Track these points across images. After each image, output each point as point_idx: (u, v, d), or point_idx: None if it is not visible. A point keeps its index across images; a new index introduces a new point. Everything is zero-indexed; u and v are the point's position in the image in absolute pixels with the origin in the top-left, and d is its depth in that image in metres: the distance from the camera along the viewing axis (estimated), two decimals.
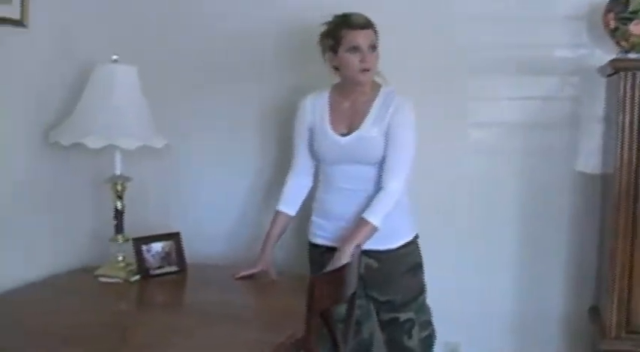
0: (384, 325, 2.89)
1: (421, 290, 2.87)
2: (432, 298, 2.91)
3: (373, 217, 2.68)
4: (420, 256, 2.87)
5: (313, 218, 2.93)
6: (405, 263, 2.82)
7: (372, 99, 2.77)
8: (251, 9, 3.30)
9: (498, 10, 3.05)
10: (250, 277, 2.86)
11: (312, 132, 2.87)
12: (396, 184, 2.71)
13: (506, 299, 3.18)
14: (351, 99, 2.80)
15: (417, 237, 2.87)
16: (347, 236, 2.70)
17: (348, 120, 2.79)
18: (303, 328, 2.21)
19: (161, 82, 3.31)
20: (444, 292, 3.00)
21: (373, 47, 2.73)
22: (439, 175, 3.11)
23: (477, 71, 3.10)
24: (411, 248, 2.84)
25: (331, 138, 2.79)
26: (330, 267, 2.56)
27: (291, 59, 3.25)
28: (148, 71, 3.04)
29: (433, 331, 2.92)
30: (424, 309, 2.89)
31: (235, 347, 2.21)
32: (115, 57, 2.92)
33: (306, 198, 2.97)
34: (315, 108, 2.86)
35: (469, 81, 3.13)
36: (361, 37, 2.70)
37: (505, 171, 3.13)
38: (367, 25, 2.72)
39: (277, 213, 2.94)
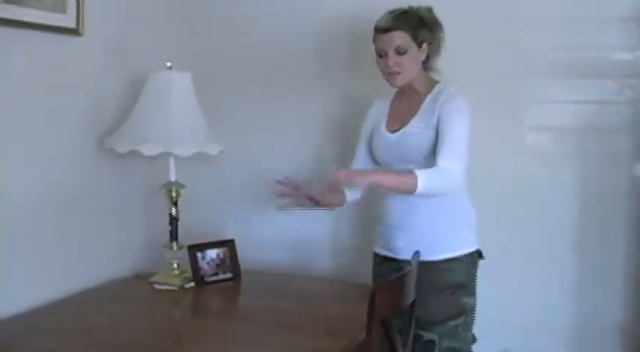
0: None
1: (457, 314, 2.65)
2: (487, 304, 2.80)
3: (422, 175, 2.46)
4: (466, 277, 2.68)
5: (376, 227, 2.87)
6: (443, 280, 2.64)
7: (425, 96, 2.70)
8: (309, 13, 3.28)
9: (556, 12, 2.98)
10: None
11: (372, 134, 2.84)
12: (449, 163, 2.51)
13: (564, 307, 3.10)
14: (407, 99, 2.75)
15: (470, 256, 2.69)
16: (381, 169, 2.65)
17: (401, 119, 2.74)
18: (363, 336, 2.19)
19: (215, 88, 3.31)
20: (499, 299, 2.95)
21: (401, 50, 2.63)
22: (493, 178, 3.05)
23: (534, 73, 3.04)
24: (456, 265, 2.66)
25: (383, 136, 2.76)
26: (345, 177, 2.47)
27: (350, 65, 3.23)
28: (201, 77, 3.05)
29: None
30: (455, 336, 2.65)
31: None
32: (169, 64, 2.93)
33: (356, 196, 2.88)
34: (378, 111, 2.85)
35: (526, 83, 3.06)
36: (384, 41, 2.64)
37: (561, 176, 3.06)
38: (391, 28, 2.63)
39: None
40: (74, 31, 2.78)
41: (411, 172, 2.49)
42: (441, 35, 2.72)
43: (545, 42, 3.02)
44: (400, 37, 2.63)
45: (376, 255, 2.87)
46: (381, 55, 2.67)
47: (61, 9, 2.72)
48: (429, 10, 2.70)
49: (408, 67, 2.66)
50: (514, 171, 3.08)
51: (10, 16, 2.49)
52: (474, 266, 2.73)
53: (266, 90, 3.39)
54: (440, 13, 2.73)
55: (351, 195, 2.86)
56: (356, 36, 3.10)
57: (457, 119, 2.60)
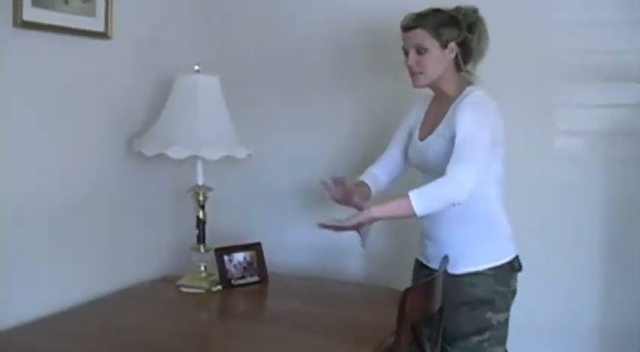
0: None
1: (480, 329, 2.52)
2: (513, 309, 2.69)
3: (415, 196, 2.34)
4: (490, 293, 2.52)
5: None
6: (465, 294, 2.52)
7: (454, 100, 2.55)
8: (337, 14, 3.27)
9: (584, 15, 2.96)
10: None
11: (409, 137, 2.77)
12: (459, 172, 2.35)
13: (590, 311, 3.06)
14: (439, 103, 2.64)
15: (498, 270, 2.54)
16: (376, 203, 2.49)
17: (430, 125, 2.64)
18: (392, 341, 2.18)
19: (243, 91, 3.32)
20: (525, 304, 2.91)
21: (421, 48, 2.55)
22: (520, 182, 3.00)
23: (562, 77, 3.01)
24: (479, 280, 2.52)
25: (414, 143, 2.69)
26: (339, 223, 2.43)
27: (382, 68, 3.20)
28: (229, 80, 3.05)
29: None
30: None
31: None
32: (197, 67, 2.93)
33: (375, 187, 2.82)
34: (417, 113, 2.76)
35: (554, 87, 3.03)
36: (405, 39, 2.58)
37: (590, 180, 3.02)
38: (411, 25, 2.55)
39: (359, 181, 2.80)
40: (103, 35, 2.80)
41: (405, 195, 2.37)
42: (477, 37, 2.60)
43: (572, 45, 2.99)
44: (420, 36, 2.54)
45: (416, 260, 2.81)
46: (404, 53, 2.61)
47: (90, 13, 2.73)
48: (474, 10, 2.60)
49: (430, 67, 2.56)
50: (541, 175, 3.05)
51: (40, 20, 2.51)
52: (504, 280, 2.57)
53: (294, 92, 3.38)
54: None
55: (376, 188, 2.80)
56: (384, 38, 3.06)
57: (472, 122, 2.44)
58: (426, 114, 2.72)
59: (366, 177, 2.80)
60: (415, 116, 2.76)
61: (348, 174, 3.10)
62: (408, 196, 2.35)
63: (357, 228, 2.46)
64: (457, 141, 2.40)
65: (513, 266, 2.59)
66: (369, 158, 3.00)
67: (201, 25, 3.42)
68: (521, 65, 3.01)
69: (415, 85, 2.62)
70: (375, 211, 2.42)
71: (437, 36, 2.54)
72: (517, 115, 2.87)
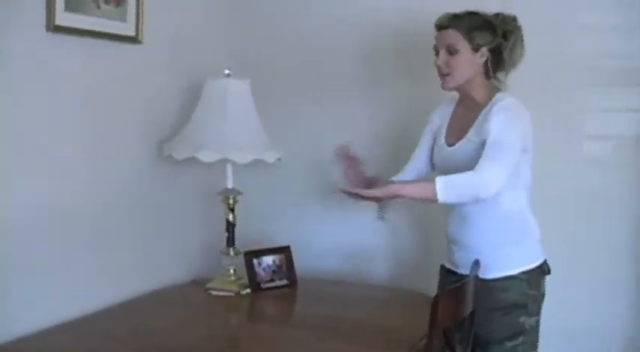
0: None
1: (514, 334, 2.51)
2: (550, 319, 2.71)
3: (441, 182, 2.34)
4: (523, 296, 2.51)
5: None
6: (497, 299, 2.51)
7: (483, 107, 2.53)
8: (370, 20, 3.27)
9: (614, 19, 2.93)
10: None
11: (434, 141, 2.76)
12: (487, 170, 2.35)
13: (618, 317, 3.03)
14: (467, 108, 2.63)
15: (530, 273, 2.53)
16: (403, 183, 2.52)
17: (458, 131, 2.62)
18: (422, 346, 2.18)
19: (272, 95, 3.33)
20: (553, 309, 2.88)
21: (451, 49, 2.53)
22: (549, 187, 2.99)
23: (593, 82, 2.99)
24: (512, 284, 2.51)
25: (442, 148, 2.68)
26: (360, 191, 2.44)
27: (411, 74, 3.19)
28: (259, 83, 3.07)
29: None
30: None
31: None
32: (227, 71, 2.94)
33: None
34: (441, 116, 2.75)
35: (585, 91, 3.01)
36: (437, 38, 2.57)
37: (617, 185, 3.00)
38: (445, 25, 2.54)
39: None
40: (134, 39, 2.82)
41: (431, 179, 2.38)
42: (512, 46, 2.57)
43: (600, 50, 2.96)
44: (453, 36, 2.53)
45: (442, 267, 2.79)
46: (435, 52, 2.59)
47: (122, 17, 2.76)
48: (514, 18, 2.59)
49: (459, 69, 2.54)
50: (570, 180, 3.03)
51: (73, 25, 2.54)
52: (536, 283, 2.56)
53: (322, 95, 3.38)
54: None
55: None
56: (413, 40, 3.08)
57: (503, 126, 2.42)
58: (452, 119, 2.71)
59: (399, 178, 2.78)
60: (438, 121, 2.76)
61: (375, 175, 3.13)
62: (434, 181, 2.36)
63: (377, 200, 2.49)
64: (488, 143, 2.40)
65: (543, 270, 2.58)
66: (396, 159, 3.01)
67: (231, 29, 3.43)
68: (549, 70, 2.99)
69: (444, 87, 2.60)
70: (399, 188, 2.43)
71: (469, 39, 2.52)
72: (545, 120, 2.83)
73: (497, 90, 2.59)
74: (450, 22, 2.53)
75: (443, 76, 2.57)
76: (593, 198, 3.01)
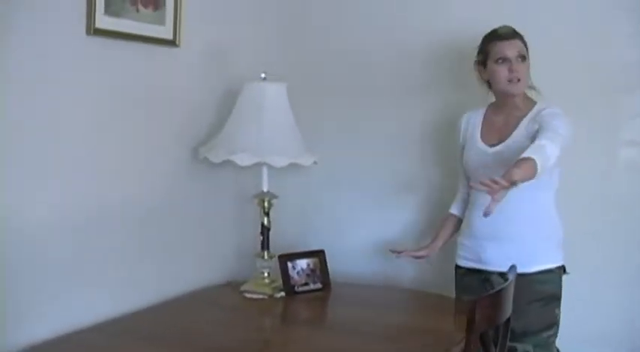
0: None
1: (549, 325, 2.68)
2: (574, 317, 2.78)
3: (537, 157, 2.33)
4: (558, 290, 2.70)
5: (459, 239, 2.88)
6: (538, 291, 2.66)
7: (525, 115, 2.69)
8: (408, 26, 3.28)
9: None
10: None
11: (463, 148, 2.86)
12: (547, 142, 2.41)
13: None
14: (505, 114, 2.75)
15: (561, 269, 2.72)
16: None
17: (498, 134, 2.74)
18: (461, 350, 2.17)
19: (309, 98, 3.36)
20: (581, 312, 2.90)
21: (522, 57, 2.67)
22: (585, 193, 2.98)
23: (629, 87, 2.97)
24: (550, 277, 2.69)
25: (479, 149, 2.76)
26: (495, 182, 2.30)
27: (449, 78, 3.20)
28: (296, 87, 3.08)
29: None
30: (548, 348, 2.68)
31: None
32: (263, 75, 2.95)
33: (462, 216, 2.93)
34: (469, 124, 2.86)
35: (623, 97, 2.99)
36: (508, 48, 2.66)
37: None
38: (513, 35, 2.69)
39: (449, 214, 2.97)
40: (172, 43, 2.84)
41: (529, 159, 2.32)
42: None
43: (636, 56, 2.94)
44: (520, 45, 2.69)
45: (459, 267, 2.87)
46: (502, 61, 2.67)
47: (160, 21, 2.78)
48: None
49: (526, 76, 2.68)
50: (604, 186, 3.02)
51: (112, 28, 2.56)
52: (561, 280, 2.73)
53: (360, 101, 3.39)
54: (534, 30, 2.75)
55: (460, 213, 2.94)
56: (454, 48, 3.11)
57: (558, 120, 2.55)
58: (485, 123, 2.82)
59: (455, 208, 2.97)
60: (465, 130, 2.87)
61: (411, 184, 3.19)
62: (531, 159, 2.32)
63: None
64: (547, 128, 2.50)
65: (564, 269, 2.75)
66: (435, 169, 3.02)
67: (271, 33, 3.45)
68: (584, 76, 2.99)
69: (515, 92, 2.69)
70: (514, 175, 2.27)
71: (527, 49, 2.70)
72: (581, 126, 2.82)
73: (532, 100, 2.74)
74: (516, 33, 2.69)
75: (514, 81, 2.66)
76: (627, 203, 2.99)
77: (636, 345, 2.99)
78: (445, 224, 2.96)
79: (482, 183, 2.27)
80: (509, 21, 2.73)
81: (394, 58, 3.32)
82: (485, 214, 2.32)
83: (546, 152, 2.38)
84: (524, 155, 2.36)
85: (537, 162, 2.32)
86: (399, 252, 2.94)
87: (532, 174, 2.32)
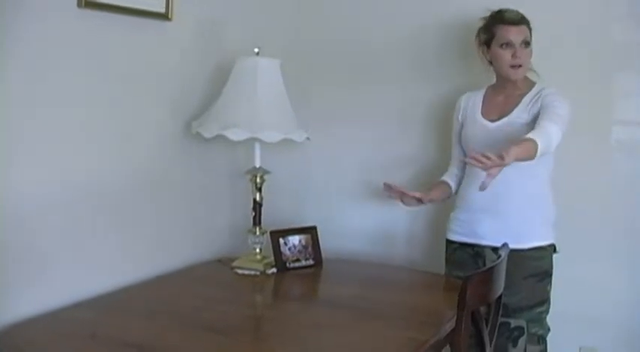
0: None
1: (542, 300, 2.73)
2: (568, 301, 2.83)
3: (539, 139, 2.40)
4: (551, 266, 2.75)
5: (452, 214, 2.89)
6: (531, 267, 2.70)
7: (525, 93, 2.74)
8: (409, 5, 3.26)
9: None
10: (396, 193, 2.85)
11: (462, 126, 2.88)
12: (551, 127, 2.49)
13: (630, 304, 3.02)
14: (505, 94, 2.79)
15: (552, 247, 2.76)
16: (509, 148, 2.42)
17: (499, 110, 2.78)
18: (449, 326, 2.18)
19: (302, 75, 3.34)
20: (579, 295, 2.92)
21: (526, 43, 2.70)
22: (576, 171, 2.97)
23: (627, 67, 2.95)
24: (543, 254, 2.73)
25: (480, 124, 2.79)
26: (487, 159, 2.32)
27: (450, 58, 3.18)
28: (290, 63, 3.06)
29: (545, 351, 2.76)
30: (540, 323, 2.73)
31: (383, 343, 2.18)
32: (256, 50, 2.93)
33: (456, 187, 2.93)
34: (468, 103, 2.88)
35: (617, 77, 2.98)
36: (513, 33, 2.69)
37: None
38: (521, 21, 2.71)
39: (439, 180, 2.96)
40: (164, 16, 2.81)
41: (530, 140, 2.39)
42: None
43: (634, 36, 2.92)
44: (526, 31, 2.71)
45: (451, 242, 2.89)
46: (506, 46, 2.70)
47: None
48: None
49: (528, 61, 2.73)
50: (601, 165, 3.01)
51: (103, 1, 2.53)
52: (552, 257, 2.76)
53: (353, 77, 3.38)
54: (531, 11, 2.74)
55: (453, 183, 2.94)
56: (450, 30, 3.11)
57: (560, 103, 2.61)
58: (486, 102, 2.85)
59: (448, 177, 2.96)
60: (464, 109, 2.89)
61: (406, 162, 3.17)
62: (532, 140, 2.39)
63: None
64: (544, 110, 2.59)
65: (555, 247, 2.78)
66: (428, 148, 3.01)
67: (264, 8, 3.41)
68: (583, 55, 2.98)
69: (515, 77, 2.73)
70: (513, 154, 2.31)
71: (531, 35, 2.72)
72: (578, 105, 2.79)
73: (531, 80, 2.78)
74: (523, 18, 2.71)
75: (515, 67, 2.70)
76: (620, 185, 2.99)
77: (623, 326, 3.01)
78: (435, 187, 2.93)
79: (473, 158, 2.29)
80: (506, 1, 2.73)
81: (391, 36, 3.29)
82: (481, 188, 2.37)
83: (551, 137, 2.47)
84: (529, 135, 2.41)
85: (539, 144, 2.39)
86: (392, 188, 2.83)
87: (531, 155, 2.39)
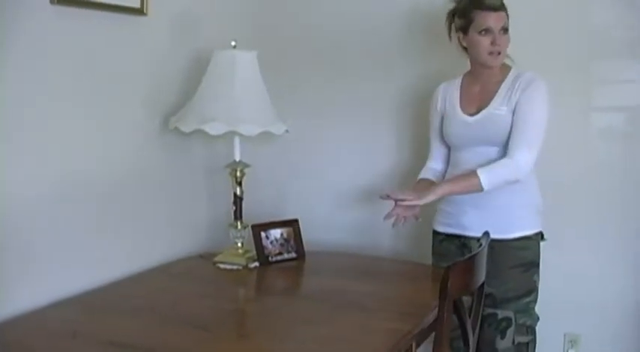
0: (481, 320, 2.66)
1: (529, 291, 2.72)
2: (553, 288, 2.84)
3: (484, 175, 2.56)
4: (537, 256, 2.74)
5: (438, 205, 2.86)
6: (517, 257, 2.70)
7: (502, 80, 2.70)
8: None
9: None
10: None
11: (442, 118, 2.84)
12: (522, 155, 2.57)
13: (629, 289, 3.04)
14: (481, 82, 2.75)
15: (539, 236, 2.76)
16: (445, 180, 2.72)
17: (477, 102, 2.74)
18: (432, 317, 2.18)
19: (280, 68, 3.33)
20: (564, 282, 2.95)
21: (505, 30, 2.65)
22: (560, 158, 2.98)
23: (605, 53, 2.96)
24: (529, 244, 2.72)
25: (460, 118, 2.76)
26: (409, 201, 2.60)
27: (421, 46, 3.19)
28: (267, 56, 3.04)
29: (534, 341, 2.76)
30: (528, 313, 2.73)
31: (366, 335, 2.19)
32: (233, 43, 2.91)
33: (438, 178, 2.90)
34: (446, 95, 2.84)
35: (596, 63, 2.99)
36: (493, 20, 2.63)
37: (629, 158, 2.99)
38: (500, 7, 2.65)
39: (421, 179, 2.90)
40: (139, 11, 2.79)
41: (474, 174, 2.58)
42: None
43: (612, 21, 2.94)
44: (504, 18, 2.66)
45: (438, 233, 2.88)
46: (485, 32, 2.65)
47: None
48: None
49: (505, 48, 2.68)
50: (581, 152, 3.03)
51: None
52: (539, 246, 2.76)
53: (331, 69, 3.38)
54: None
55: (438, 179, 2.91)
56: (421, 21, 3.11)
57: (536, 104, 2.62)
58: (463, 92, 2.81)
59: (426, 174, 2.92)
60: (443, 100, 2.85)
61: (384, 153, 3.14)
62: (476, 175, 2.57)
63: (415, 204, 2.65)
64: (521, 120, 2.61)
65: (542, 236, 2.79)
66: (408, 141, 3.04)
67: (239, 1, 3.40)
68: (560, 41, 2.99)
69: (493, 64, 2.70)
70: (448, 189, 2.64)
71: (508, 20, 2.67)
72: (555, 93, 2.81)
73: (507, 65, 2.74)
74: (502, 4, 2.67)
75: (494, 54, 2.66)
76: (602, 171, 3.01)
77: (607, 313, 3.04)
78: (419, 187, 2.83)
79: (388, 196, 2.63)
80: None
81: (367, 26, 3.29)
82: (384, 219, 2.66)
83: (502, 175, 2.59)
84: (477, 171, 2.58)
85: (483, 184, 2.56)
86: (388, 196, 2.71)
87: (473, 190, 2.60)
